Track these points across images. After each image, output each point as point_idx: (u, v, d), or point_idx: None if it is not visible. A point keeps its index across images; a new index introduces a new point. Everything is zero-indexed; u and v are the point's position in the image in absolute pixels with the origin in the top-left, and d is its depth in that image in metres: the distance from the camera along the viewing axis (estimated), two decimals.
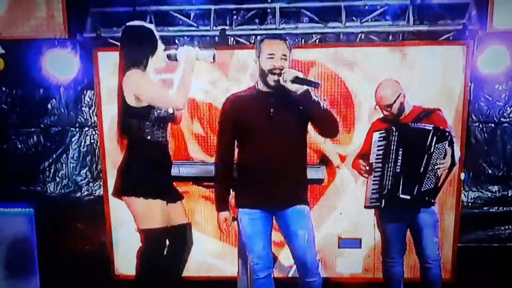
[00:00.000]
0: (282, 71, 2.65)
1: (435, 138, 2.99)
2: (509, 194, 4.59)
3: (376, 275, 4.34)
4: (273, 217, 2.86)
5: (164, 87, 2.73)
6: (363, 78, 4.18)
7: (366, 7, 4.30)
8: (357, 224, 4.33)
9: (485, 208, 4.61)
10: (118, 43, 4.28)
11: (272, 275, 2.93)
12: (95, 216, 4.62)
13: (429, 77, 4.16)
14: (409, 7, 4.18)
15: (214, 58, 2.78)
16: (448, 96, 4.15)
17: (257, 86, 2.82)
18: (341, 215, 4.36)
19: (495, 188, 4.58)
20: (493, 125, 4.52)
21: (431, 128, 3.02)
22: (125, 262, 4.53)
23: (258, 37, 2.86)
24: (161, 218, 2.75)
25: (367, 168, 3.20)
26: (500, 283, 4.22)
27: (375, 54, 4.19)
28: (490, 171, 4.56)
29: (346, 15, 4.20)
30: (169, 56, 2.80)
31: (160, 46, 2.78)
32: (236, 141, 2.85)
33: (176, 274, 2.93)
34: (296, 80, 2.60)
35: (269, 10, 4.32)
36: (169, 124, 2.90)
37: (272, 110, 2.72)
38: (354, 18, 4.33)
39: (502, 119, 4.51)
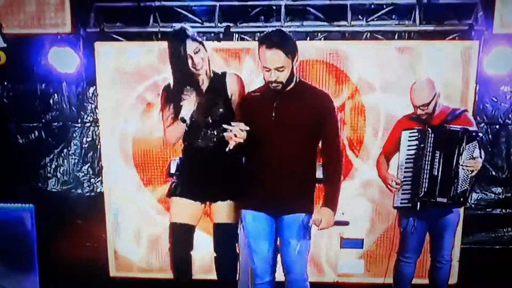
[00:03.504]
0: None
1: (465, 139, 3.01)
2: None
3: (377, 276, 4.33)
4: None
5: None
6: (368, 76, 4.18)
7: (372, 6, 4.26)
8: (359, 224, 4.32)
9: (488, 209, 4.59)
10: (122, 38, 4.34)
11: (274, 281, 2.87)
12: (96, 212, 4.58)
13: (434, 78, 4.12)
14: (415, 6, 4.15)
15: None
16: (452, 97, 4.13)
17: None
18: (344, 215, 4.33)
19: (499, 190, 4.56)
20: (497, 126, 4.49)
21: (460, 129, 3.04)
22: (125, 258, 4.55)
23: (258, 38, 2.73)
24: (184, 215, 2.87)
25: (397, 183, 3.20)
26: (502, 285, 4.21)
27: (379, 52, 4.18)
28: (494, 173, 4.54)
29: (352, 14, 4.17)
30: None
31: None
32: None
33: (224, 271, 2.95)
34: None
35: (274, 7, 4.27)
36: (217, 132, 2.81)
37: (274, 114, 2.65)
38: (360, 17, 4.30)
39: (507, 121, 4.48)
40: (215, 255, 2.93)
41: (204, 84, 2.82)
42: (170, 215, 2.93)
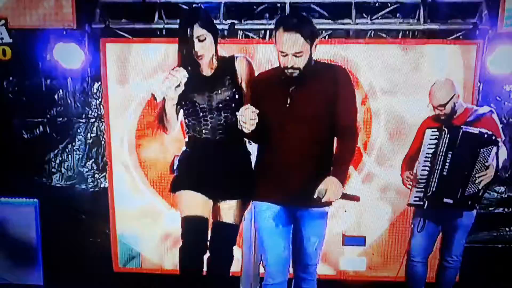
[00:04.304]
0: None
1: (480, 142, 2.98)
2: None
3: (379, 274, 4.34)
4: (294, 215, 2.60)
5: None
6: (371, 75, 4.18)
7: (377, 4, 4.25)
8: (362, 221, 4.33)
9: (490, 208, 4.58)
10: (127, 35, 4.35)
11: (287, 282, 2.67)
12: (100, 208, 4.60)
13: (438, 76, 4.12)
14: (420, 5, 4.14)
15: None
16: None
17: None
18: (346, 212, 4.35)
19: (502, 189, 4.56)
20: (501, 125, 4.48)
21: (477, 132, 3.00)
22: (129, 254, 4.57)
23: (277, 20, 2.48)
24: (197, 208, 2.58)
25: (412, 178, 3.19)
26: (504, 284, 4.21)
27: (383, 51, 4.17)
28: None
29: (356, 12, 4.17)
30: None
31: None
32: None
33: (218, 271, 2.65)
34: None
35: (279, 5, 4.26)
36: (223, 119, 2.59)
37: (289, 101, 2.45)
38: (364, 15, 4.29)
39: (510, 120, 4.47)
40: (208, 255, 2.61)
41: (210, 71, 2.60)
42: (180, 211, 2.63)
